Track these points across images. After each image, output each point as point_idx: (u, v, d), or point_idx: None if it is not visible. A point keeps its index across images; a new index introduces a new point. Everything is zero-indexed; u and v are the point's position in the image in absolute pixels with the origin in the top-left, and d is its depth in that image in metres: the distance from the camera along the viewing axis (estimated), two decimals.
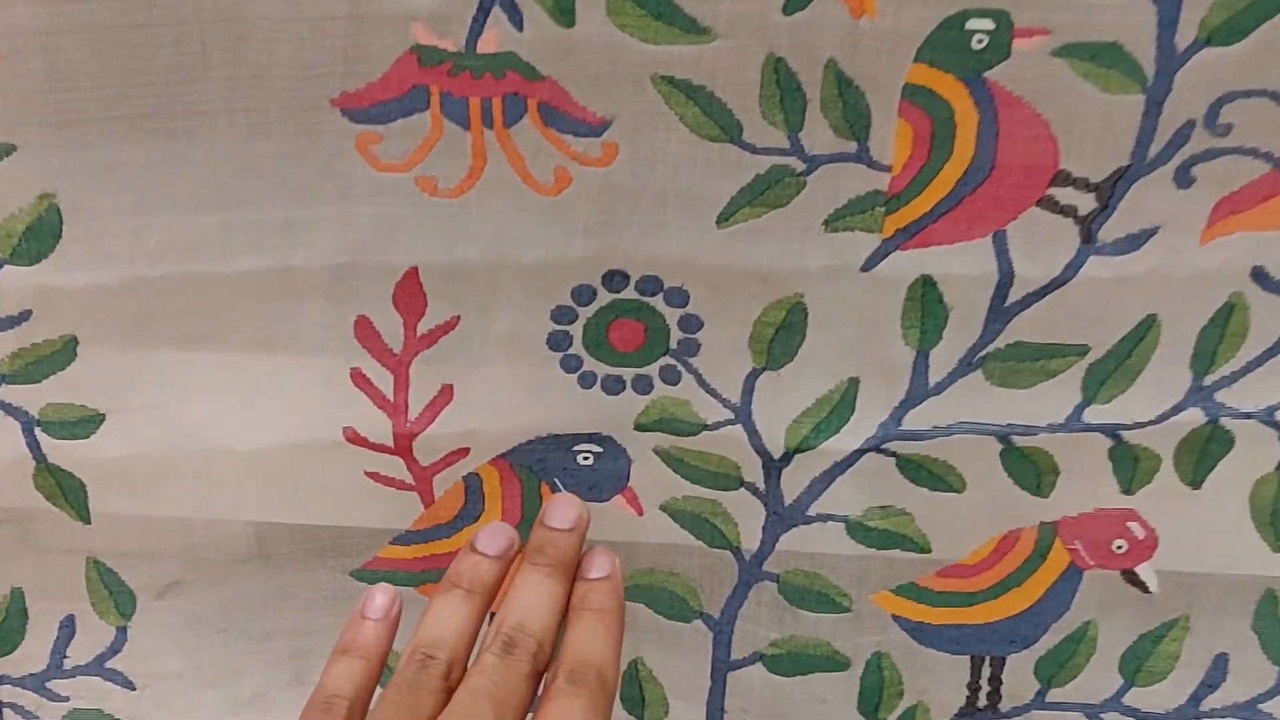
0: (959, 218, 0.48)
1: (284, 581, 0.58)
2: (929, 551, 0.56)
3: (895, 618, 0.56)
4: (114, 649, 0.59)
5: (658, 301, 0.52)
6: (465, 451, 0.55)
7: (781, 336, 0.53)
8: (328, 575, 0.58)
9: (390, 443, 0.54)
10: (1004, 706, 0.57)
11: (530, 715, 0.40)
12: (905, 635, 0.56)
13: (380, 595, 0.47)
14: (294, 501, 0.56)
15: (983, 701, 0.57)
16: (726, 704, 0.60)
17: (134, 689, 0.59)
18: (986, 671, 0.56)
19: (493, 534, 0.47)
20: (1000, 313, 0.51)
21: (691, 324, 0.53)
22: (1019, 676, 0.56)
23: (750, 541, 0.56)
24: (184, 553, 0.56)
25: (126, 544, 0.56)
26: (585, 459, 0.55)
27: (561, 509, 0.47)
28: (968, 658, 0.56)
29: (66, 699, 0.59)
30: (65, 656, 0.59)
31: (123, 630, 0.58)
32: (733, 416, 0.55)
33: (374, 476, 0.55)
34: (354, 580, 0.58)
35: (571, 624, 0.43)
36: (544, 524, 0.47)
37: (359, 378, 0.54)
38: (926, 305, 0.51)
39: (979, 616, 0.55)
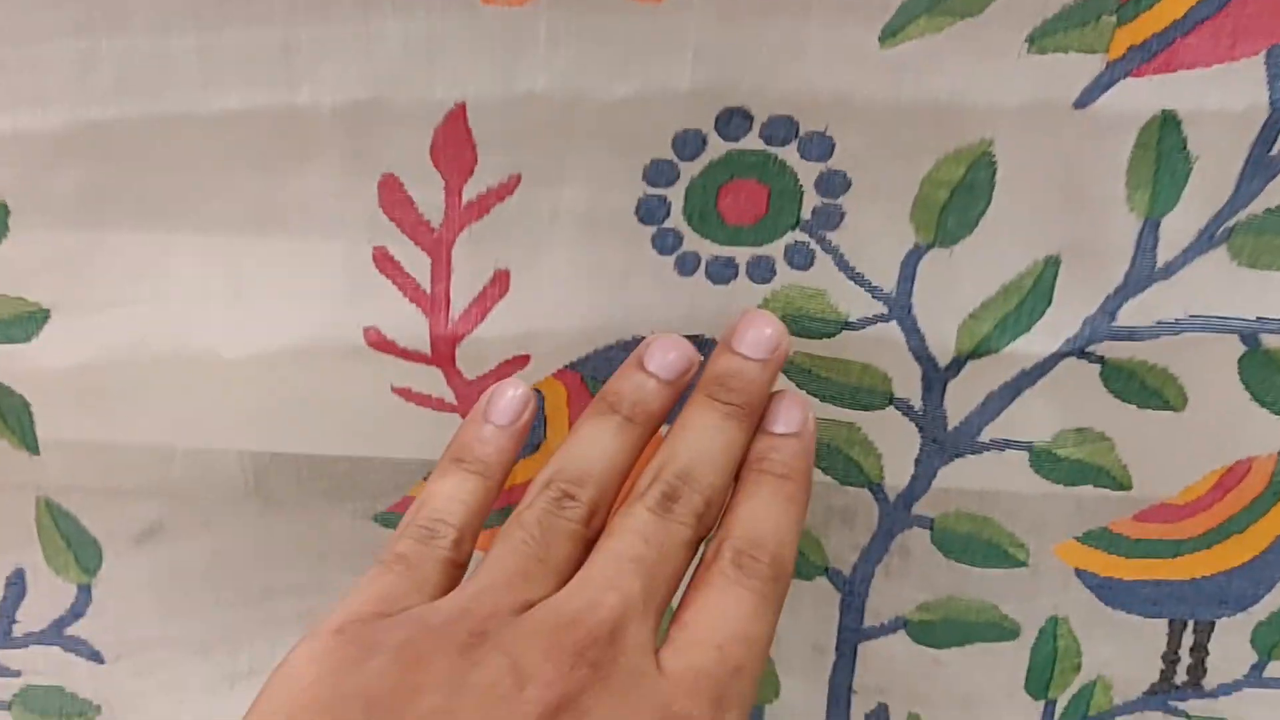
0: (1220, 29, 0.38)
1: (289, 527, 0.49)
2: (1129, 488, 0.45)
3: (1079, 572, 0.47)
4: (75, 612, 0.50)
5: (789, 153, 0.41)
6: (524, 360, 0.45)
7: (958, 201, 0.41)
8: (344, 520, 0.49)
9: (426, 348, 0.44)
10: (1209, 682, 0.48)
11: (681, 596, 0.34)
12: (1089, 595, 0.47)
13: (511, 393, 0.40)
14: (300, 426, 0.47)
15: (1181, 676, 0.48)
16: (856, 682, 0.48)
17: (102, 661, 0.51)
18: (1188, 639, 0.47)
19: (666, 349, 0.39)
20: (1263, 165, 0.39)
21: (834, 185, 0.41)
22: (1231, 646, 0.47)
23: (897, 477, 0.46)
24: (161, 490, 0.48)
25: (86, 479, 0.48)
26: None
27: (756, 330, 0.39)
28: (1165, 622, 0.48)
29: (18, 674, 0.51)
30: (15, 622, 0.50)
31: (86, 589, 0.50)
32: (885, 311, 0.43)
33: (404, 393, 0.46)
34: (378, 527, 0.49)
35: (743, 488, 0.37)
36: (731, 348, 0.39)
37: (384, 261, 0.43)
38: (1163, 154, 0.39)
39: (1185, 570, 0.47)
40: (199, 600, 0.50)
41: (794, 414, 0.39)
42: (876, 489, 0.47)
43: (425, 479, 0.46)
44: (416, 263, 0.43)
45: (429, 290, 0.44)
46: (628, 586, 0.32)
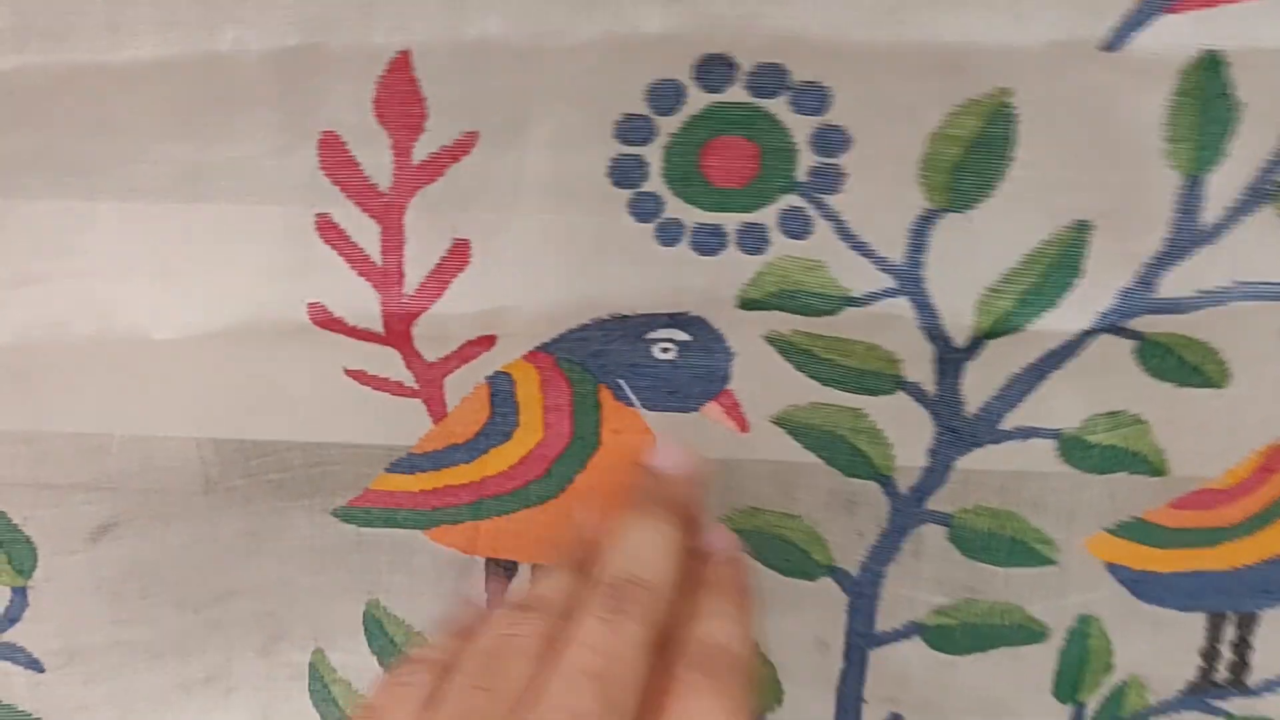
0: None
1: (243, 523, 0.45)
2: (1165, 473, 0.41)
3: (1111, 567, 0.43)
4: (10, 618, 0.46)
5: (780, 106, 0.36)
6: (490, 341, 0.41)
7: (973, 160, 0.36)
8: (300, 515, 0.45)
9: (378, 326, 0.40)
10: (1253, 680, 0.44)
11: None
12: (1122, 590, 0.43)
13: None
14: (245, 412, 0.42)
15: (1222, 674, 0.44)
16: (867, 691, 0.44)
17: (41, 669, 0.47)
18: (1230, 634, 0.44)
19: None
20: None
21: (832, 142, 0.37)
22: (1276, 640, 0.43)
23: (909, 468, 0.41)
24: (102, 483, 0.44)
25: (15, 473, 0.44)
26: (665, 351, 0.41)
27: (669, 453, 0.40)
28: (1203, 617, 0.44)
29: None
30: None
31: (21, 592, 0.46)
32: (893, 284, 0.38)
33: (359, 376, 0.41)
34: (337, 522, 0.45)
35: (688, 599, 0.35)
36: (652, 469, 0.40)
37: (328, 229, 0.39)
38: (1207, 101, 0.34)
39: (1226, 560, 0.42)
40: (148, 603, 0.46)
41: (727, 538, 0.39)
42: (886, 481, 0.42)
43: (388, 469, 0.42)
44: (364, 231, 0.39)
45: (379, 261, 0.39)
46: (585, 710, 0.30)
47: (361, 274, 0.39)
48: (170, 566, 0.45)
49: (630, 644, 0.31)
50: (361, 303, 0.39)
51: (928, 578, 0.43)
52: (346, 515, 0.45)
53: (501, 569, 0.45)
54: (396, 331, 0.40)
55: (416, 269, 0.39)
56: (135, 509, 0.44)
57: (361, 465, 0.43)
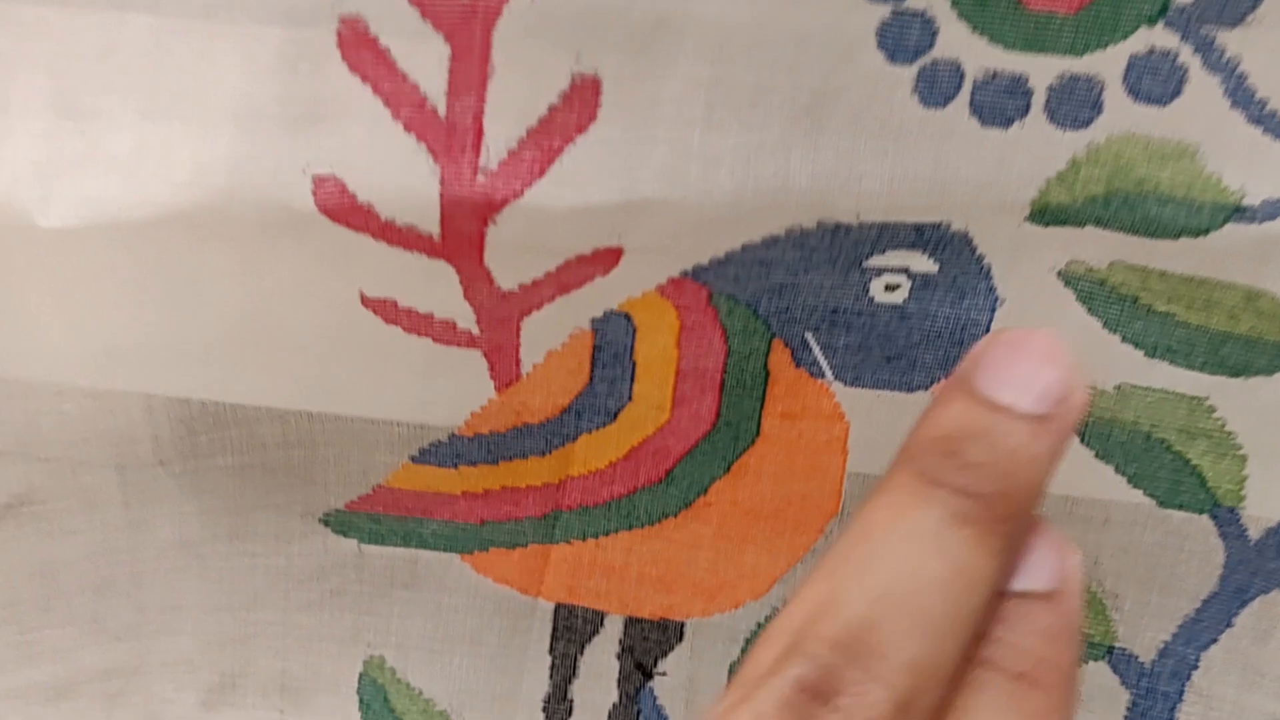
0: None
1: (187, 525, 0.31)
2: None
3: None
4: None
5: None
6: (611, 257, 0.25)
7: None
8: (273, 518, 0.31)
9: (432, 222, 0.24)
10: None
11: None
12: None
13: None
14: (192, 359, 0.28)
15: None
16: None
17: None
18: None
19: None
20: None
21: None
22: None
23: (1269, 500, 0.27)
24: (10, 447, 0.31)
25: None
26: (891, 289, 0.26)
27: (1026, 364, 0.20)
28: None
29: None
30: None
31: None
32: None
33: (382, 308, 0.27)
34: (329, 532, 0.31)
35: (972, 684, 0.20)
36: (975, 391, 0.20)
37: (358, 47, 0.23)
38: None
39: None
40: (50, 619, 0.33)
41: (1046, 558, 0.21)
42: (1227, 517, 0.27)
43: (413, 458, 0.30)
44: (421, 53, 0.23)
45: (442, 110, 0.23)
46: None
47: (410, 128, 0.23)
48: (85, 571, 0.32)
49: None
50: (406, 179, 0.24)
51: (1273, 676, 0.27)
52: (344, 523, 0.31)
53: (579, 622, 0.30)
54: (460, 233, 0.24)
55: (505, 125, 0.23)
56: (46, 486, 0.31)
57: (372, 449, 0.30)
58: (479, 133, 0.23)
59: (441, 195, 0.23)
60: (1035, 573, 0.20)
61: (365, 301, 0.26)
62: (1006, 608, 0.20)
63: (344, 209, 0.24)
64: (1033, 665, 0.20)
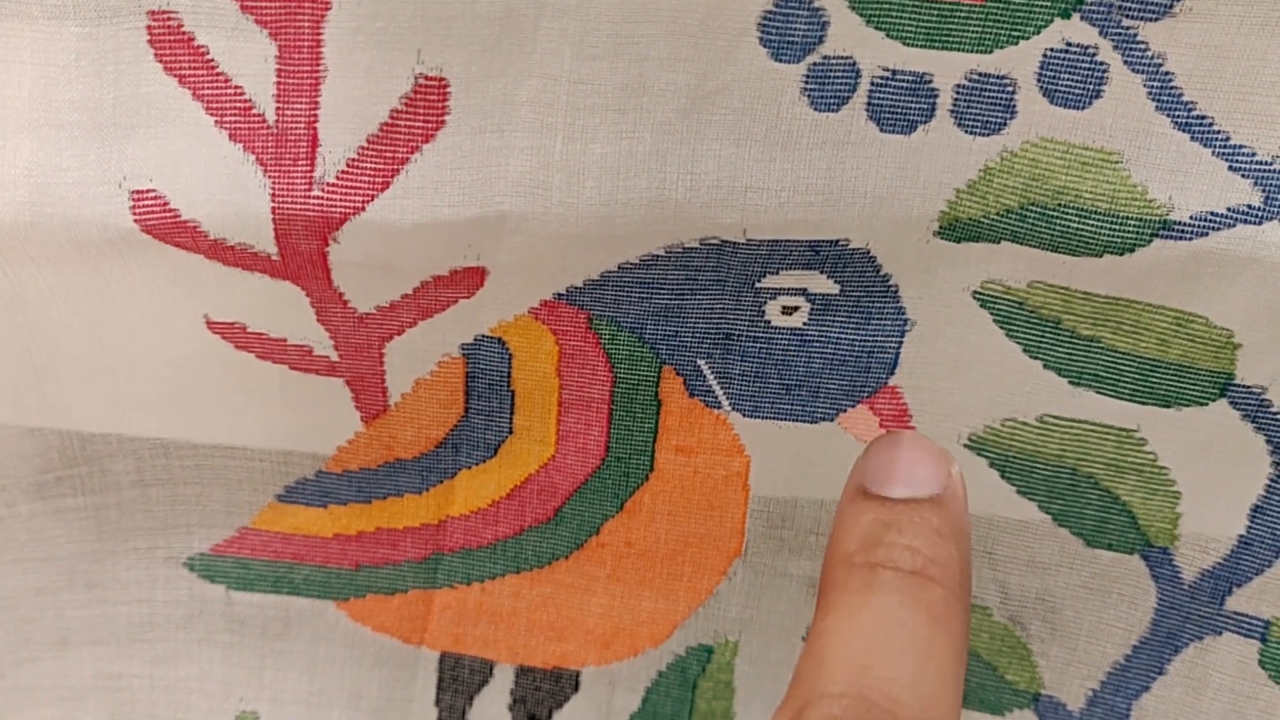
0: None
1: (52, 574, 0.28)
2: None
3: None
4: None
5: None
6: (474, 278, 0.23)
7: None
8: (130, 562, 0.28)
9: (265, 240, 0.22)
10: None
11: None
12: None
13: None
14: (23, 388, 0.25)
15: None
16: None
17: None
18: None
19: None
20: None
21: None
22: None
23: (1202, 538, 0.25)
24: None
25: None
26: (789, 312, 0.24)
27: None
28: None
29: None
30: None
31: None
32: (1257, 201, 0.21)
33: (230, 333, 0.24)
34: (195, 578, 0.28)
35: (840, 596, 0.22)
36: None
37: (171, 43, 0.20)
38: None
39: None
40: None
41: (923, 464, 0.22)
42: (1159, 558, 0.24)
43: (279, 497, 0.27)
44: (245, 52, 0.20)
45: (270, 115, 0.20)
46: None
47: (236, 137, 0.21)
48: None
49: None
50: (233, 194, 0.21)
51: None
52: (210, 568, 0.28)
53: (466, 672, 0.28)
54: (300, 253, 0.21)
55: (342, 133, 0.20)
56: None
57: (235, 487, 0.27)
58: (313, 141, 0.20)
59: (274, 211, 0.21)
60: (920, 480, 0.22)
61: (211, 326, 0.24)
62: (896, 513, 0.22)
63: (167, 226, 0.21)
64: (925, 563, 0.21)
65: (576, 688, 0.28)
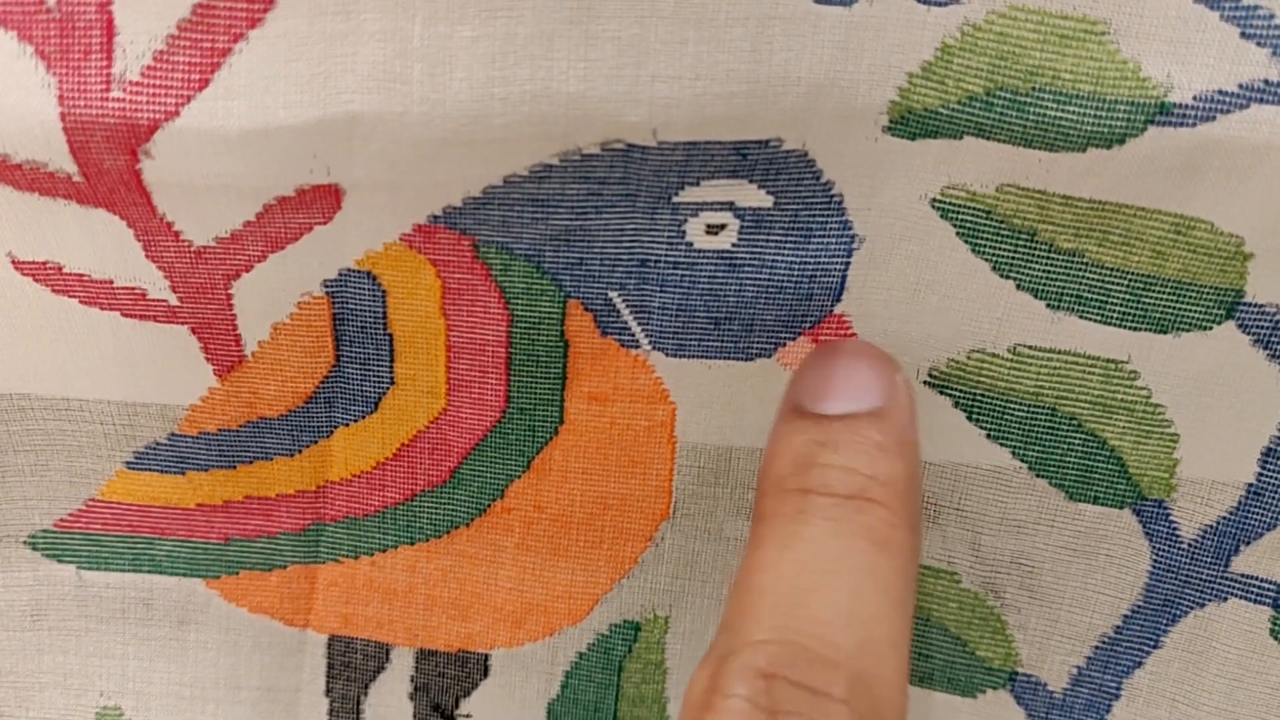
0: None
1: None
2: None
3: None
4: None
5: None
6: (330, 198, 0.19)
7: None
8: None
9: (59, 155, 0.17)
10: None
11: None
12: None
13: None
14: None
15: None
16: None
17: None
18: None
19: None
20: None
21: None
22: None
23: (1206, 485, 0.22)
24: None
25: None
26: (714, 230, 0.20)
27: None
28: None
29: None
30: None
31: None
32: (1271, 77, 0.17)
33: (44, 276, 0.20)
34: (40, 558, 0.25)
35: (774, 527, 0.20)
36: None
37: None
38: None
39: None
40: None
41: (862, 375, 0.21)
42: (1154, 513, 0.21)
43: (128, 464, 0.24)
44: None
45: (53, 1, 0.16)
46: None
47: (7, 23, 0.16)
48: None
49: None
50: (9, 96, 0.17)
51: (1210, 708, 0.23)
52: (56, 546, 0.25)
53: (358, 657, 0.24)
54: (104, 170, 0.18)
55: (146, 18, 0.16)
56: None
57: (76, 454, 0.24)
58: (108, 28, 0.16)
59: (63, 118, 0.17)
60: (859, 393, 0.21)
61: (19, 266, 0.20)
62: (832, 432, 0.20)
63: None
64: (864, 484, 0.20)
65: (485, 673, 0.24)
